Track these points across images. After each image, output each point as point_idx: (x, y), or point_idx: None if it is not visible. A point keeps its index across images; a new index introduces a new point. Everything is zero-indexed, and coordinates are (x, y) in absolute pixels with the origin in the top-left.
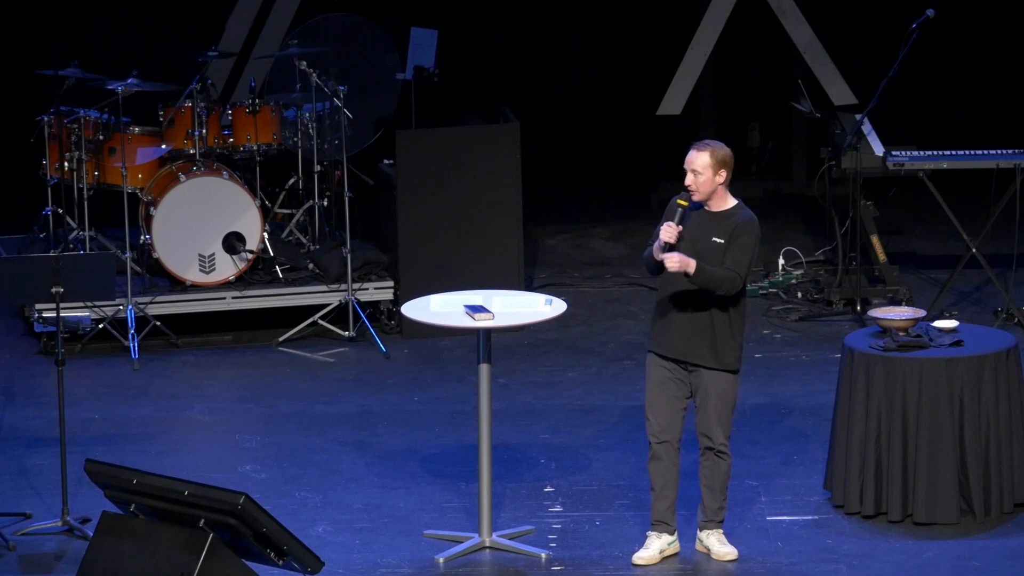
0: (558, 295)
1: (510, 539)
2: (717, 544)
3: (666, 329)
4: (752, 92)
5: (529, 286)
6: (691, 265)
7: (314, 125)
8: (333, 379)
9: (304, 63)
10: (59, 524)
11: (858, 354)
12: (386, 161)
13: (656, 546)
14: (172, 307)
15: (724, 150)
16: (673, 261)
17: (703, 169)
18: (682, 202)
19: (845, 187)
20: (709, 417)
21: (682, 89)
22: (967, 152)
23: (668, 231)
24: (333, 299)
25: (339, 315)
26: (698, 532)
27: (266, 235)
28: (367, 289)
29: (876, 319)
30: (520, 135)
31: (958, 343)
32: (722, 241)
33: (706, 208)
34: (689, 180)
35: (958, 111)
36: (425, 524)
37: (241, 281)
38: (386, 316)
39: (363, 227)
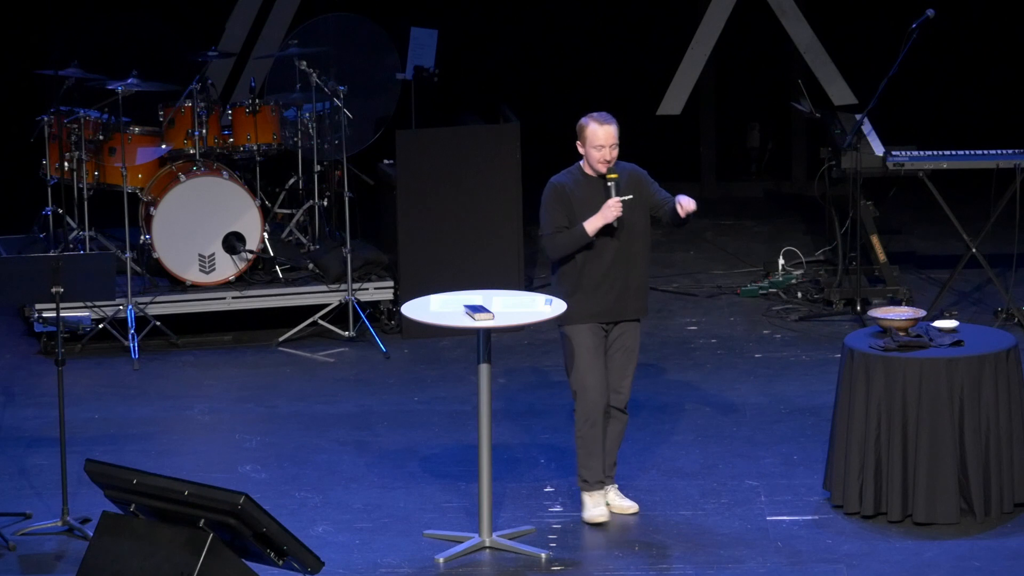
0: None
1: (510, 539)
2: (617, 499)
3: (601, 295)
4: (752, 92)
5: (529, 286)
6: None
7: (314, 125)
8: (333, 379)
9: (304, 63)
10: (59, 524)
11: (858, 354)
12: (386, 161)
13: (604, 502)
14: (172, 307)
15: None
16: (693, 204)
17: (617, 140)
18: (613, 176)
19: (845, 187)
20: (626, 374)
21: (682, 89)
22: (967, 152)
23: (617, 206)
24: (333, 299)
25: (339, 315)
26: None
27: (266, 235)
28: (367, 289)
29: (876, 319)
30: (520, 135)
31: (958, 343)
32: (630, 197)
33: (590, 175)
34: (608, 156)
35: (958, 111)
36: (425, 524)
37: (241, 281)
38: (386, 316)
39: (363, 227)
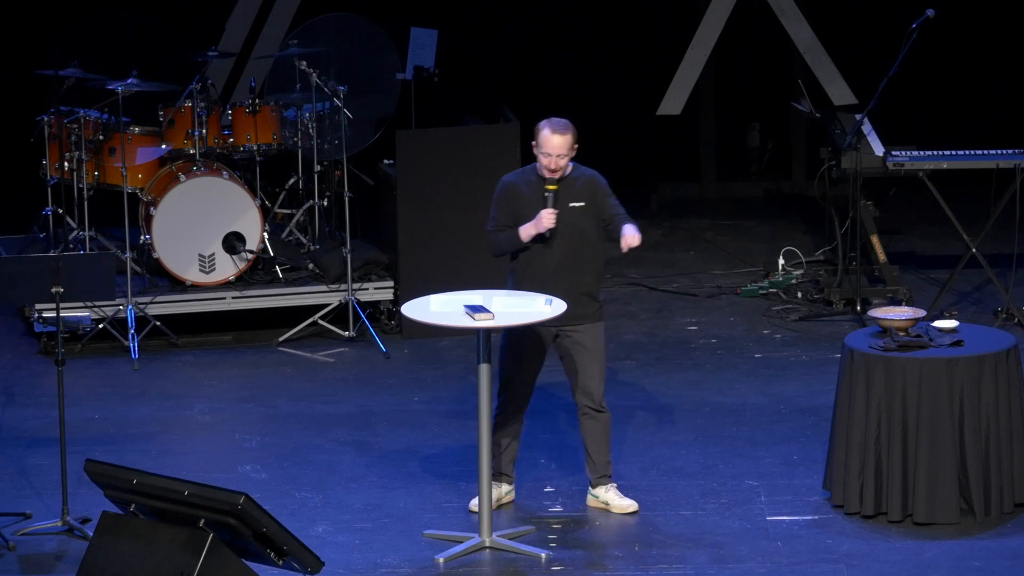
0: None
1: (510, 539)
2: (616, 498)
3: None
4: (752, 92)
5: None
6: (639, 236)
7: (314, 125)
8: (333, 379)
9: (304, 63)
10: (59, 524)
11: (858, 354)
12: (386, 161)
13: (496, 495)
14: (172, 307)
15: (573, 127)
16: (637, 239)
17: (568, 151)
18: (553, 187)
19: (845, 187)
20: (591, 374)
21: (682, 89)
22: (967, 152)
23: (551, 217)
24: (333, 299)
25: (339, 315)
26: (591, 489)
27: (266, 235)
28: (367, 289)
29: (876, 319)
30: (520, 135)
31: (958, 343)
32: (582, 204)
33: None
34: (554, 164)
35: (958, 111)
36: (425, 524)
37: (241, 281)
38: (386, 316)
39: (363, 227)
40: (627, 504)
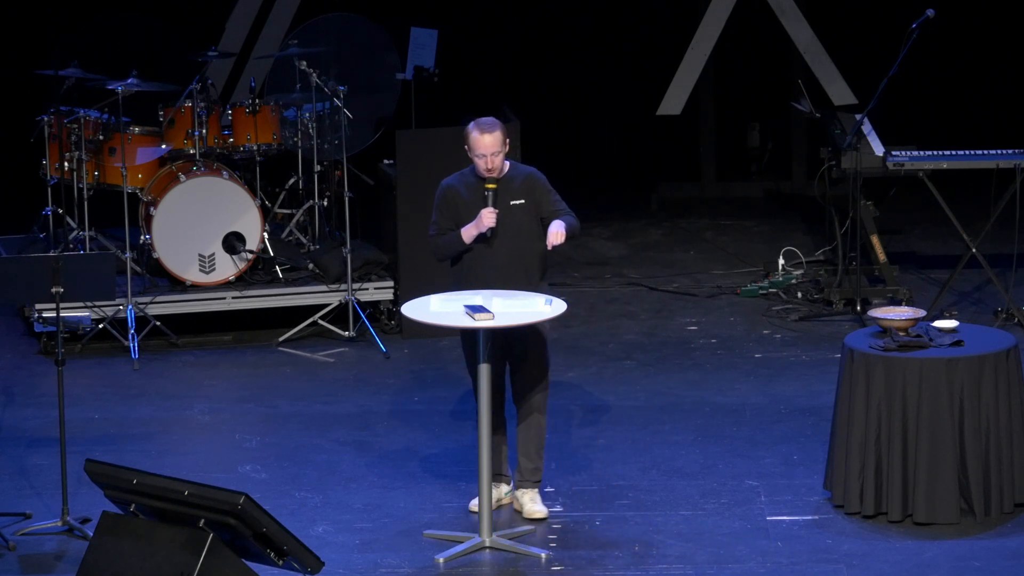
0: (558, 295)
1: (510, 539)
2: (530, 503)
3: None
4: (752, 92)
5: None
6: (563, 232)
7: (314, 125)
8: (333, 379)
9: (304, 63)
10: (59, 524)
11: (858, 354)
12: (386, 161)
13: (495, 496)
14: (172, 307)
15: (500, 123)
16: (561, 237)
17: (501, 147)
18: (492, 186)
19: (845, 187)
20: (531, 377)
21: (682, 89)
22: (967, 152)
23: (491, 216)
24: (333, 299)
25: (339, 315)
26: (515, 490)
27: (266, 235)
28: (367, 289)
29: (876, 319)
30: (520, 134)
31: (958, 343)
32: (522, 201)
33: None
34: (490, 164)
35: (958, 111)
36: (425, 524)
37: (241, 281)
38: (386, 316)
39: (363, 227)
40: (538, 510)
